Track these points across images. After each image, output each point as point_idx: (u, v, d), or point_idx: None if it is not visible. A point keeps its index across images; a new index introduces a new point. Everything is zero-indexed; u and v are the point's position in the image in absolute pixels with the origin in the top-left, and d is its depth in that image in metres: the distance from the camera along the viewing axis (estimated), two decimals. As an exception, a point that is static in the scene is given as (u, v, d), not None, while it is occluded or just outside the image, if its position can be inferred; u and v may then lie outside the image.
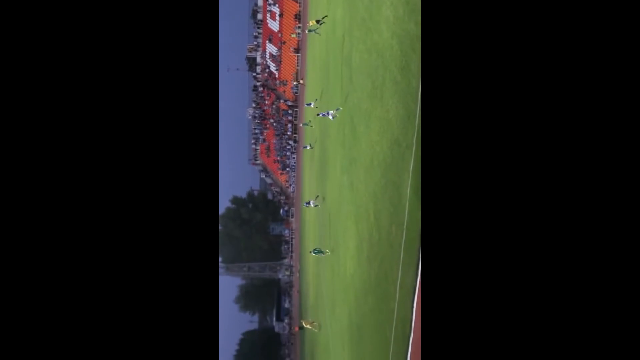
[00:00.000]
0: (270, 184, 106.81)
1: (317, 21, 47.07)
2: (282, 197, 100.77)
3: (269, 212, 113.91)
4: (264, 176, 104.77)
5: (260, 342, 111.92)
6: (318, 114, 41.52)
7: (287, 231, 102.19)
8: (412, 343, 17.70)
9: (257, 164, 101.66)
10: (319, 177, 49.90)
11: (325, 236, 41.27)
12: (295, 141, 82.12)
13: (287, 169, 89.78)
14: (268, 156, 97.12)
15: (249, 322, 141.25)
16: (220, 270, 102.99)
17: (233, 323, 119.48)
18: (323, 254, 40.67)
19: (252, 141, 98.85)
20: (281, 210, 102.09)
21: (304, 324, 46.56)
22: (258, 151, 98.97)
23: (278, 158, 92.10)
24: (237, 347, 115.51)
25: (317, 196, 46.02)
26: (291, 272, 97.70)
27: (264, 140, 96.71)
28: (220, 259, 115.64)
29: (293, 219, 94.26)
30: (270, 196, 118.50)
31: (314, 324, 45.85)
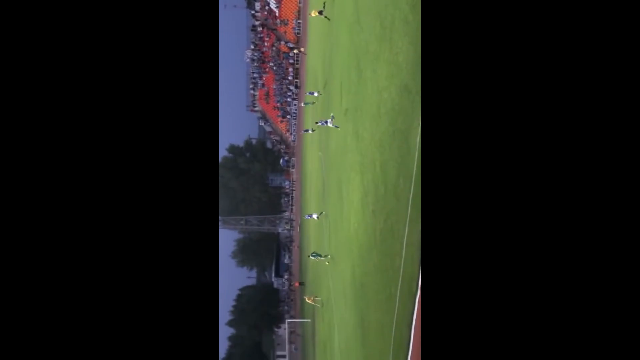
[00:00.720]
0: (270, 132, 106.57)
1: (320, 12, 46.48)
2: (282, 147, 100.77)
3: (268, 162, 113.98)
4: (262, 124, 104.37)
5: (258, 299, 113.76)
6: (317, 122, 41.88)
7: (287, 183, 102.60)
8: (418, 301, 18.00)
9: (255, 111, 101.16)
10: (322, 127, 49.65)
11: (328, 188, 41.46)
12: (296, 86, 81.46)
13: (288, 116, 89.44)
14: (267, 102, 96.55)
15: (246, 277, 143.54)
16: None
17: (230, 279, 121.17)
18: (322, 257, 41.35)
19: (250, 86, 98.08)
20: (281, 160, 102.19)
21: (306, 300, 46.83)
22: (256, 97, 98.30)
23: (278, 104, 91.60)
24: (233, 304, 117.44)
25: (322, 212, 45.46)
26: (291, 226, 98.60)
27: (263, 85, 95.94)
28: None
29: (294, 170, 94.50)
30: (269, 145, 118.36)
31: (317, 299, 46.09)
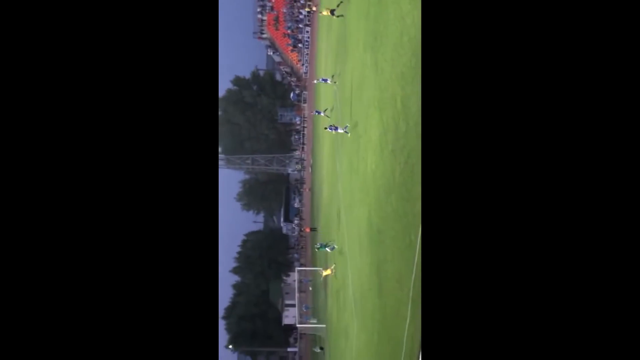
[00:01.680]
0: (279, 63, 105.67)
1: (332, 11, 46.26)
2: (293, 79, 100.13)
3: (277, 96, 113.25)
4: (271, 53, 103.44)
5: (265, 245, 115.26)
6: (326, 128, 41.85)
7: (298, 118, 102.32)
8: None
9: (263, 38, 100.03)
10: (337, 55, 49.13)
11: (343, 125, 41.34)
12: (309, 11, 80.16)
13: (299, 44, 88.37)
14: (276, 29, 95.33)
15: (252, 222, 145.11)
16: (219, 163, 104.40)
17: (234, 223, 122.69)
18: (328, 248, 41.43)
19: (258, 9, 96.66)
20: (291, 94, 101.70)
21: (323, 273, 46.51)
22: (265, 23, 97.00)
23: (288, 31, 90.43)
24: (238, 249, 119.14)
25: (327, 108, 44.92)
26: (302, 166, 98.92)
27: (272, 8, 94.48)
28: (219, 149, 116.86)
29: (305, 105, 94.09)
30: (278, 77, 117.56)
31: (333, 268, 45.22)
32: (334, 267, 43.84)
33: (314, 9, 73.99)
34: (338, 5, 45.99)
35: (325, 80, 50.27)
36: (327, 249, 44.26)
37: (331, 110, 49.88)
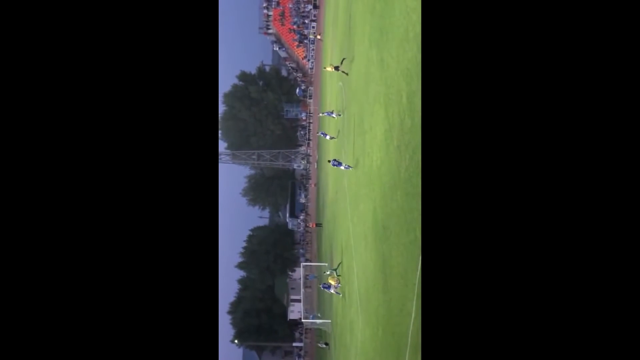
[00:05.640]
0: (285, 58, 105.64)
1: (336, 68, 45.92)
2: (299, 74, 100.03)
3: (283, 92, 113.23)
4: (277, 48, 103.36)
5: (271, 240, 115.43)
6: (329, 161, 42.02)
7: (303, 114, 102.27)
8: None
9: (269, 34, 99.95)
10: (343, 51, 49.09)
11: (348, 122, 41.31)
12: (315, 6, 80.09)
13: (305, 40, 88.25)
14: (282, 24, 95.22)
15: (258, 217, 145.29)
16: (225, 158, 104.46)
17: (240, 218, 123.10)
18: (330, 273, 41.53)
19: (264, 5, 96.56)
20: (297, 90, 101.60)
21: (330, 282, 46.10)
22: (270, 18, 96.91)
23: (294, 27, 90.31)
24: (244, 245, 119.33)
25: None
26: (308, 161, 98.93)
27: (278, 4, 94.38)
28: (225, 145, 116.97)
29: (311, 101, 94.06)
30: (284, 72, 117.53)
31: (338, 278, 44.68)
32: (339, 277, 42.96)
33: (319, 37, 74.23)
34: (341, 63, 45.58)
35: (330, 114, 49.75)
36: (332, 287, 43.05)
37: (338, 114, 49.42)
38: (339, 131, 48.78)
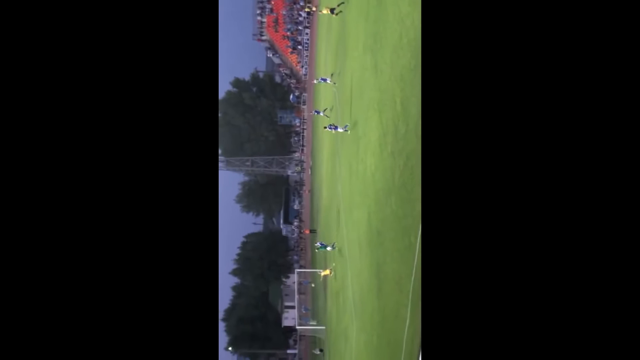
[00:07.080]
0: (279, 65, 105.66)
1: (332, 10, 46.98)
2: (293, 81, 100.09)
3: (277, 98, 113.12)
4: (270, 55, 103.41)
5: (265, 247, 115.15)
6: (326, 127, 42.23)
7: (297, 120, 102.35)
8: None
9: (263, 40, 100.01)
10: (336, 57, 49.15)
11: (343, 124, 41.33)
12: (309, 13, 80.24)
13: (299, 46, 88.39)
14: (276, 31, 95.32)
15: (252, 224, 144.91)
16: (219, 165, 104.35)
17: (234, 225, 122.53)
18: (326, 248, 41.69)
19: (257, 12, 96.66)
20: (291, 96, 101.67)
21: (322, 274, 46.66)
22: (264, 24, 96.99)
23: (288, 33, 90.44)
24: (238, 251, 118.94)
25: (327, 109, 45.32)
26: (302, 168, 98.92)
27: (272, 10, 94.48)
28: (219, 152, 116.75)
29: (305, 107, 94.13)
30: (278, 79, 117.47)
31: (332, 268, 45.72)
32: (333, 267, 43.92)
33: (314, 9, 74.15)
34: (338, 5, 46.24)
35: (325, 80, 50.44)
36: (328, 248, 44.33)
37: (330, 110, 49.98)
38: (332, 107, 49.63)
